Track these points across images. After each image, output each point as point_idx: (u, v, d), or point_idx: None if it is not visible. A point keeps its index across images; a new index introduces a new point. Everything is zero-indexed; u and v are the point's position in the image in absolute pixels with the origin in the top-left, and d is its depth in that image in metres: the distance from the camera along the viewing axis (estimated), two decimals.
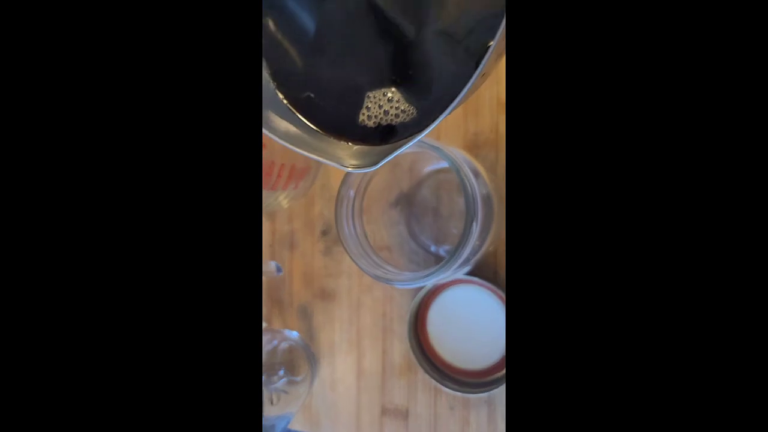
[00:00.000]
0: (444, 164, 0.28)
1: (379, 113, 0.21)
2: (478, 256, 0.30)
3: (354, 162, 0.21)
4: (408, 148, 0.19)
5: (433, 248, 0.36)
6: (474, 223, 0.26)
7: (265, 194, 0.38)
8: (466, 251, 0.26)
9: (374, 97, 0.21)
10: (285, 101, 0.22)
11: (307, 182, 0.40)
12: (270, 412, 0.36)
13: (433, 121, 0.18)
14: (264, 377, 0.34)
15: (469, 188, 0.26)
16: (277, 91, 0.22)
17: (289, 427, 0.40)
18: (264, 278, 0.42)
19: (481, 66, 0.16)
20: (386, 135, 0.21)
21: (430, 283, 0.28)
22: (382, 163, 0.19)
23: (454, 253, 0.26)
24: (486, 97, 0.35)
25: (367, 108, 0.21)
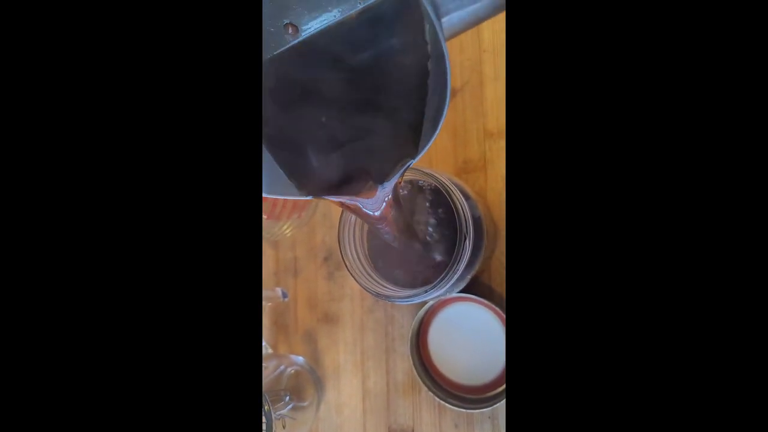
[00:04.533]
0: (438, 189, 0.30)
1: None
2: (472, 273, 0.32)
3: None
4: (406, 171, 0.22)
5: (432, 268, 0.38)
6: (466, 241, 0.28)
7: (270, 224, 0.40)
8: (461, 267, 0.28)
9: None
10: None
11: (309, 212, 0.43)
12: None
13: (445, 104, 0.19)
14: (270, 404, 0.35)
15: (460, 208, 0.29)
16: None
17: None
18: (270, 304, 0.43)
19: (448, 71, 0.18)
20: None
21: (429, 299, 0.30)
22: (395, 178, 0.22)
23: (449, 270, 0.28)
24: (473, 128, 0.38)
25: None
